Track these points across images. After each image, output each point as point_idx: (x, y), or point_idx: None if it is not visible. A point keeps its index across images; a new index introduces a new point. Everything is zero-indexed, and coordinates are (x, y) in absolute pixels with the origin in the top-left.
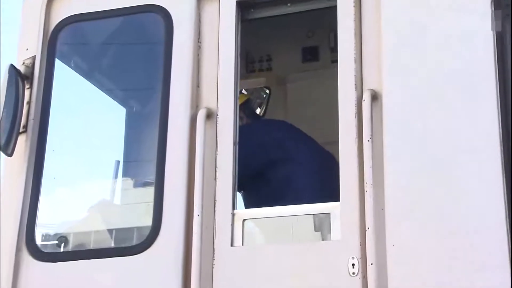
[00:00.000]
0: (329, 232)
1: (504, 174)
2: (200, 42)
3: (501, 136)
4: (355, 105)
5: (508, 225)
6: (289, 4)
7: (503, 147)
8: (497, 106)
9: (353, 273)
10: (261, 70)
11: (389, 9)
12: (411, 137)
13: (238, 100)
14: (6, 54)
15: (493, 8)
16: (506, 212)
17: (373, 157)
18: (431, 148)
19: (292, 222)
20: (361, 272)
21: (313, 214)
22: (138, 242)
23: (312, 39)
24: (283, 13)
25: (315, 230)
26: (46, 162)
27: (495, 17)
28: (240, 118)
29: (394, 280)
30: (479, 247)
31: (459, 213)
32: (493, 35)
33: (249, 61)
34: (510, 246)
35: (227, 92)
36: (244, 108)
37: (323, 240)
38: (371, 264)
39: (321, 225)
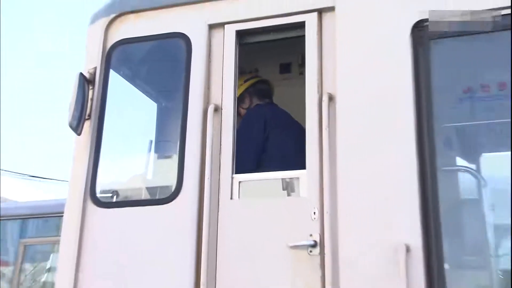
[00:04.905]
0: (294, 190)
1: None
2: (210, 59)
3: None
4: (317, 104)
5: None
6: (271, 33)
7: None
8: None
9: (314, 218)
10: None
11: (342, 37)
12: (356, 127)
13: (236, 98)
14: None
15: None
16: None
17: (329, 140)
18: (371, 135)
19: (274, 183)
20: (320, 218)
21: (288, 178)
22: (164, 196)
23: (287, 57)
24: (267, 39)
25: (283, 189)
26: (103, 139)
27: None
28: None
29: (342, 222)
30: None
31: (388, 182)
32: (412, 55)
33: (242, 72)
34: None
35: (229, 93)
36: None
37: (288, 196)
38: (327, 212)
39: (288, 186)
